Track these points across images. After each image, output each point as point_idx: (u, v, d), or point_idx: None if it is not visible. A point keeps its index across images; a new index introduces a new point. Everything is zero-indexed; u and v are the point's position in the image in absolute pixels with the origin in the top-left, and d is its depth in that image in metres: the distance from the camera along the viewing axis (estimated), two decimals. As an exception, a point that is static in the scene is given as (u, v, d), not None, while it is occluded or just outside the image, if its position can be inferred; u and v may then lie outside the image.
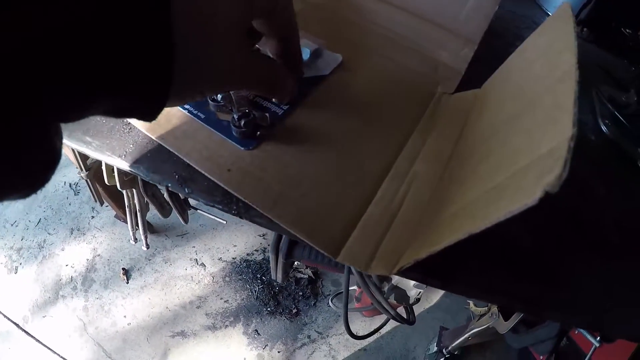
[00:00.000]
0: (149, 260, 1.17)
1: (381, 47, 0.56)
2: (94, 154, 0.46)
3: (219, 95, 0.45)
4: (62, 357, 1.10)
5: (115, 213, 1.18)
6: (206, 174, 0.42)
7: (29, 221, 1.27)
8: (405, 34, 0.56)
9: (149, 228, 0.99)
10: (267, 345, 1.06)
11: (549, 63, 0.35)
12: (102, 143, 0.46)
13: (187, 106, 0.46)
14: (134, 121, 0.46)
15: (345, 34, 0.57)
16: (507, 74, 0.44)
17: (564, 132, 0.24)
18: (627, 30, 0.71)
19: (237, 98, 0.42)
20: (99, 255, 1.20)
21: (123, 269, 1.17)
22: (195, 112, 0.46)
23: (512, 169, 0.28)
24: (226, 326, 1.09)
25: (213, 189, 0.42)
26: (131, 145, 0.46)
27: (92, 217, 1.26)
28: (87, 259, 1.20)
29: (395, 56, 0.55)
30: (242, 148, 0.43)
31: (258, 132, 0.43)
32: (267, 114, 0.45)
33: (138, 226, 0.91)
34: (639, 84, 0.65)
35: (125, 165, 0.45)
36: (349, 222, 0.40)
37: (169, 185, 0.43)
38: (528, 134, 0.29)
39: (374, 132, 0.47)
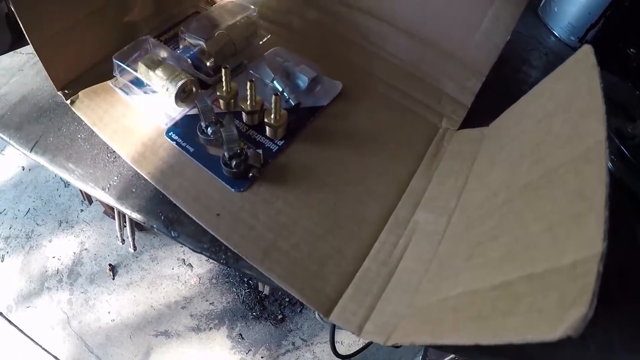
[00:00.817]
0: (136, 257, 1.15)
1: (383, 73, 0.53)
2: (76, 183, 0.43)
3: (208, 128, 0.43)
4: (44, 348, 1.08)
5: (104, 209, 1.16)
6: (194, 218, 0.39)
7: (18, 210, 1.24)
8: (410, 59, 0.53)
9: (137, 225, 0.97)
10: (250, 350, 1.05)
11: (571, 125, 0.32)
12: (86, 172, 0.44)
13: (175, 137, 0.44)
14: (119, 151, 0.44)
15: (346, 56, 0.54)
16: (520, 120, 0.41)
17: (591, 244, 0.22)
18: (631, 50, 0.68)
19: (227, 134, 0.39)
20: (86, 249, 1.18)
21: (110, 264, 1.15)
22: (184, 144, 0.44)
23: (528, 270, 0.25)
24: (210, 328, 1.08)
25: (201, 234, 0.40)
26: (116, 178, 0.43)
27: (81, 210, 1.23)
28: (74, 253, 1.17)
29: (398, 84, 0.52)
30: (233, 189, 0.41)
31: (250, 174, 0.41)
32: (260, 152, 0.42)
33: (125, 226, 0.89)
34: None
35: (109, 200, 0.42)
36: (344, 277, 0.38)
37: (154, 226, 0.41)
38: (549, 226, 0.26)
39: (374, 171, 0.45)
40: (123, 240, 0.95)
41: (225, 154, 0.41)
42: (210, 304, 1.10)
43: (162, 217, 0.41)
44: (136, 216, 0.41)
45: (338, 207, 0.42)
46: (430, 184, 0.45)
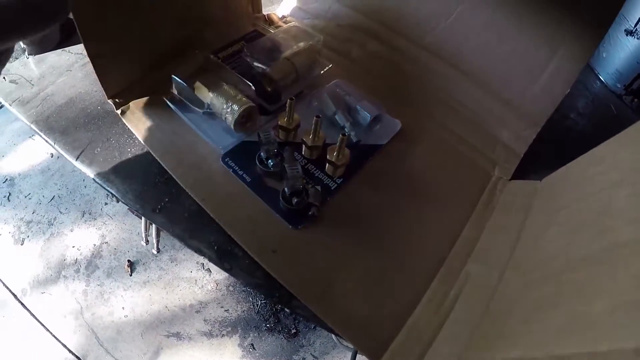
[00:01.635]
0: (156, 256, 1.15)
1: (442, 115, 0.52)
2: (124, 201, 0.43)
3: (269, 160, 0.42)
4: (54, 335, 1.09)
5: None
6: (249, 252, 0.39)
7: (43, 196, 1.25)
8: (469, 104, 0.53)
9: (161, 227, 0.97)
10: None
11: (637, 201, 0.31)
12: (135, 190, 0.43)
13: (232, 164, 0.44)
14: (172, 171, 0.43)
15: (405, 93, 0.54)
16: (579, 184, 0.40)
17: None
18: None
19: (291, 171, 0.39)
20: (106, 242, 1.18)
21: (129, 260, 1.15)
22: (240, 172, 0.43)
23: (588, 347, 0.25)
24: (222, 335, 1.08)
25: (254, 269, 0.39)
26: (167, 199, 0.43)
27: (105, 203, 1.23)
28: (95, 245, 1.18)
29: (455, 128, 0.52)
30: (290, 226, 0.40)
31: (310, 212, 0.40)
32: (319, 189, 0.42)
33: (151, 227, 0.89)
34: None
35: (158, 223, 0.42)
36: (395, 323, 0.37)
37: (206, 256, 0.40)
38: (610, 304, 0.26)
39: (427, 218, 0.44)
40: (147, 241, 0.95)
41: (286, 189, 0.40)
42: (225, 310, 1.09)
43: (215, 248, 0.40)
44: (187, 243, 0.41)
45: (392, 253, 0.41)
46: (482, 235, 0.44)
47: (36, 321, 1.08)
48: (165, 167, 0.44)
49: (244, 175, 0.43)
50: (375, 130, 0.48)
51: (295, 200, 0.40)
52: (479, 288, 0.40)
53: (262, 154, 0.43)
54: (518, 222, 0.44)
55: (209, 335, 1.07)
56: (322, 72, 0.52)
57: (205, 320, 1.07)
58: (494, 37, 0.52)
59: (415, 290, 0.39)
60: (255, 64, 0.48)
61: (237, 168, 0.43)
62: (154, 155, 0.44)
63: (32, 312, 1.09)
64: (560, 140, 0.57)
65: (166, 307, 1.10)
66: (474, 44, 0.53)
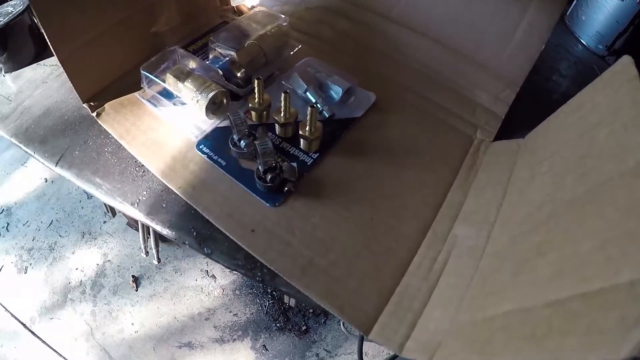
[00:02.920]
0: (159, 269, 1.14)
1: (417, 84, 0.52)
2: (104, 198, 0.43)
3: (241, 141, 0.42)
4: None
5: (127, 220, 1.16)
6: (228, 234, 0.38)
7: (41, 222, 1.25)
8: (442, 70, 0.52)
9: (161, 237, 0.97)
10: (275, 361, 1.04)
11: (617, 138, 0.30)
12: (113, 187, 0.43)
13: (206, 150, 0.43)
14: (148, 164, 0.43)
15: (378, 67, 0.53)
16: (559, 133, 0.40)
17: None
18: None
19: (262, 147, 0.39)
20: (109, 260, 1.18)
21: (133, 276, 1.15)
22: (215, 157, 0.43)
23: (582, 288, 0.24)
24: (234, 340, 1.07)
25: (235, 250, 0.39)
26: (145, 192, 0.43)
27: (104, 222, 1.23)
28: (97, 264, 1.18)
29: (432, 95, 0.51)
30: (268, 204, 0.40)
31: (286, 188, 0.40)
32: (295, 165, 0.41)
33: (149, 238, 0.89)
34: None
35: (138, 216, 0.42)
36: (383, 293, 0.36)
37: (186, 243, 0.40)
38: (601, 244, 0.25)
39: (409, 185, 0.43)
40: (147, 253, 0.94)
41: (260, 167, 0.40)
42: (234, 315, 1.08)
43: (194, 234, 0.40)
44: (167, 232, 0.40)
45: (375, 222, 0.40)
46: (467, 197, 0.43)
47: (48, 348, 1.08)
48: (141, 161, 0.43)
49: (219, 159, 0.43)
50: (349, 103, 0.48)
51: (269, 176, 0.39)
52: (468, 250, 0.39)
53: (234, 136, 0.42)
54: (503, 180, 0.43)
55: (221, 341, 1.07)
56: (291, 53, 0.51)
57: (215, 327, 1.07)
58: (461, 1, 0.51)
59: (402, 259, 0.39)
60: (223, 51, 0.47)
61: (211, 154, 0.43)
62: (130, 151, 0.44)
63: (43, 339, 1.09)
64: (544, 103, 0.56)
65: (175, 318, 1.09)
66: (442, 11, 0.52)
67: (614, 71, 0.36)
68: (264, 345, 1.05)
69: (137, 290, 1.13)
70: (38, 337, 1.09)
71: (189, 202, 0.40)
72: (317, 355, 1.04)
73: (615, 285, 0.22)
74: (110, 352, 1.06)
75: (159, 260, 0.90)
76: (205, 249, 0.39)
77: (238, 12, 0.59)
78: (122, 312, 1.10)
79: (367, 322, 0.35)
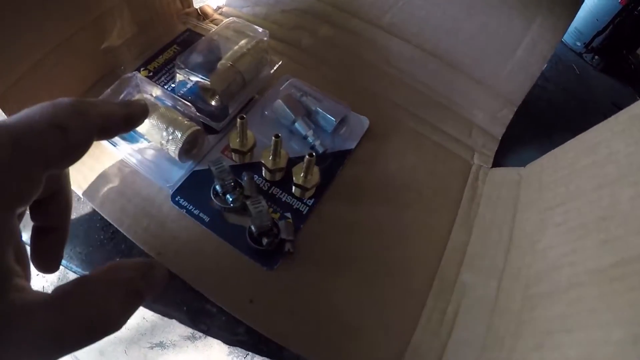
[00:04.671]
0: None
1: (410, 102, 0.47)
2: (70, 268, 0.37)
3: (228, 195, 0.37)
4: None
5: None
6: (225, 308, 0.34)
7: None
8: (437, 87, 0.48)
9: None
10: (248, 354, 1.03)
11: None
12: (78, 252, 0.37)
13: (184, 203, 0.38)
14: (117, 224, 0.37)
15: (367, 82, 0.48)
16: (571, 176, 0.37)
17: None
18: (630, 57, 0.67)
19: (256, 210, 0.34)
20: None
21: (93, 277, 1.08)
22: (196, 212, 0.38)
23: None
24: (206, 336, 1.04)
25: (234, 325, 0.35)
26: (117, 259, 0.37)
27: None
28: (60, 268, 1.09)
29: (426, 115, 0.47)
30: (265, 268, 0.35)
31: (286, 249, 0.35)
32: (290, 220, 0.37)
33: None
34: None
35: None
36: (395, 352, 0.34)
37: (178, 320, 0.35)
38: (634, 339, 0.23)
39: (411, 227, 0.40)
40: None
41: (252, 227, 0.35)
42: (205, 311, 1.06)
43: (185, 309, 0.35)
44: (153, 307, 0.35)
45: (380, 277, 0.37)
46: (471, 237, 0.40)
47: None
48: (108, 220, 0.37)
49: (200, 214, 0.37)
50: (341, 133, 0.43)
51: (265, 240, 0.34)
52: (477, 301, 0.37)
53: (217, 187, 0.37)
54: (508, 219, 0.41)
55: (193, 338, 1.04)
56: (272, 71, 0.45)
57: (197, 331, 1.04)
58: (461, 12, 0.46)
59: (411, 314, 0.36)
60: (193, 77, 0.41)
61: (191, 207, 0.37)
62: (92, 205, 0.38)
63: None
64: (531, 111, 0.54)
65: (144, 318, 1.05)
66: (439, 21, 0.48)
67: (632, 115, 0.33)
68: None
69: (99, 292, 1.07)
70: None
71: (172, 270, 0.35)
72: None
73: None
74: (80, 359, 1.02)
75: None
76: (201, 325, 0.35)
77: (203, 14, 0.51)
78: (86, 316, 1.05)
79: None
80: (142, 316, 1.05)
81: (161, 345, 1.04)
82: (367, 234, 0.39)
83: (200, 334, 0.95)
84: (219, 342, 1.00)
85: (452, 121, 0.47)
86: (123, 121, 0.24)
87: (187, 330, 1.04)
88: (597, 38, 0.63)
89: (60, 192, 0.24)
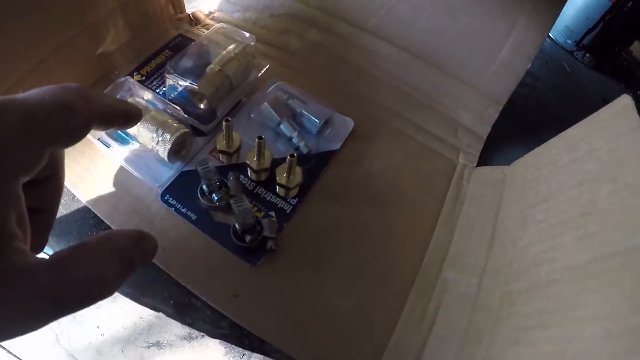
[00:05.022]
0: (121, 269, 1.09)
1: (395, 103, 0.48)
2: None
3: (214, 195, 0.38)
4: (33, 366, 1.04)
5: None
6: (209, 303, 0.35)
7: None
8: (423, 88, 0.49)
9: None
10: (244, 354, 1.04)
11: (621, 203, 0.29)
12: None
13: (172, 202, 0.39)
14: (109, 221, 0.38)
15: (353, 84, 0.49)
16: (553, 173, 0.38)
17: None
18: (623, 53, 0.68)
19: (240, 209, 0.35)
20: (66, 263, 1.11)
21: (93, 278, 1.09)
22: (184, 210, 0.39)
23: None
24: (202, 336, 1.04)
25: (218, 318, 0.36)
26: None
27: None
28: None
29: (411, 115, 0.48)
30: (248, 264, 0.37)
31: (268, 247, 0.36)
32: (274, 219, 0.38)
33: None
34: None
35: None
36: (376, 350, 0.35)
37: (165, 314, 0.36)
38: (606, 334, 0.24)
39: (395, 225, 0.41)
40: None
41: (236, 225, 0.36)
42: (202, 311, 1.07)
43: (172, 302, 0.36)
44: (141, 300, 0.37)
45: (363, 273, 0.38)
46: (454, 235, 0.41)
47: (14, 357, 1.03)
48: (100, 217, 0.39)
49: (188, 212, 0.38)
50: (326, 134, 0.44)
51: (248, 237, 0.36)
52: (458, 297, 0.38)
53: (203, 187, 0.38)
54: (490, 217, 0.41)
55: (189, 338, 1.05)
56: (259, 74, 0.46)
57: (182, 324, 1.04)
58: (445, 14, 0.48)
59: (393, 310, 0.37)
60: (182, 82, 0.42)
61: (179, 206, 0.39)
62: (86, 204, 0.39)
63: (8, 349, 1.04)
64: (520, 111, 0.55)
65: (141, 317, 1.06)
66: (424, 24, 0.49)
67: (613, 112, 0.34)
68: (235, 339, 1.06)
69: (99, 293, 1.08)
70: (3, 348, 1.04)
71: (160, 266, 0.36)
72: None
73: None
74: (78, 358, 1.03)
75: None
76: (186, 318, 0.36)
77: (195, 19, 0.53)
78: (86, 316, 1.05)
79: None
80: (139, 316, 1.06)
81: (158, 344, 1.05)
82: (351, 232, 0.40)
83: (197, 334, 0.97)
84: (215, 342, 1.02)
85: (438, 121, 0.48)
86: (121, 115, 0.25)
87: (184, 330, 1.06)
88: (588, 36, 0.64)
89: (53, 177, 0.25)
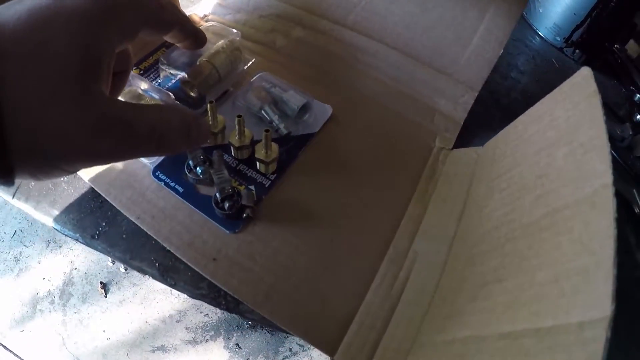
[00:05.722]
0: (127, 273, 1.13)
1: (374, 92, 0.52)
2: (64, 232, 0.42)
3: (197, 168, 0.41)
4: (41, 371, 1.07)
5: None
6: (189, 264, 0.38)
7: (4, 233, 1.21)
8: (400, 77, 0.52)
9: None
10: (248, 358, 1.05)
11: (575, 160, 0.31)
12: (72, 219, 0.42)
13: (163, 177, 0.42)
14: (106, 194, 0.42)
15: (334, 76, 0.53)
16: (518, 146, 0.40)
17: (599, 305, 0.22)
18: (616, 46, 0.69)
19: (218, 176, 0.38)
20: (76, 268, 1.15)
21: (101, 282, 1.13)
22: (172, 184, 0.42)
23: (535, 323, 0.25)
24: (207, 340, 1.07)
25: (198, 280, 0.39)
26: (104, 224, 0.42)
27: (67, 229, 1.20)
28: (65, 273, 1.15)
29: (389, 103, 0.51)
30: (228, 231, 0.40)
31: (245, 214, 0.39)
32: (252, 189, 0.41)
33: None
34: (631, 109, 0.64)
35: (99, 248, 0.41)
36: (347, 313, 0.37)
37: (149, 274, 0.39)
38: (554, 277, 0.26)
39: (370, 201, 0.44)
40: (113, 262, 0.93)
41: (217, 195, 0.39)
42: (205, 315, 1.09)
43: (157, 265, 0.39)
44: (130, 263, 0.40)
45: (336, 243, 0.41)
46: (427, 211, 0.44)
47: (21, 361, 1.06)
48: (98, 191, 0.42)
49: (176, 186, 0.42)
50: (305, 119, 0.47)
51: (227, 204, 0.39)
52: (428, 266, 0.40)
53: (190, 162, 0.41)
54: (462, 192, 0.44)
55: (194, 342, 1.07)
56: (245, 67, 0.50)
57: (187, 329, 1.07)
58: (417, 7, 0.51)
59: (364, 278, 0.39)
60: (173, 72, 0.46)
61: (168, 180, 0.42)
62: (86, 180, 0.43)
63: (15, 352, 1.07)
64: (503, 102, 0.57)
65: (146, 322, 1.08)
66: (398, 17, 0.52)
67: (573, 83, 0.36)
68: (237, 344, 1.06)
69: (106, 297, 1.11)
70: (10, 351, 1.07)
71: (148, 232, 0.39)
72: (291, 350, 1.06)
73: (566, 325, 0.23)
74: (83, 360, 1.06)
75: (126, 268, 0.88)
76: (168, 279, 0.39)
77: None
78: (92, 320, 1.09)
79: (331, 343, 0.36)
80: (144, 320, 1.09)
81: (162, 349, 1.08)
82: (326, 206, 0.43)
83: (201, 338, 0.99)
84: (219, 346, 1.05)
85: (414, 108, 0.51)
86: (194, 32, 0.36)
87: (188, 335, 1.07)
88: (576, 32, 0.65)
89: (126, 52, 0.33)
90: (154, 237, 0.39)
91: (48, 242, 1.18)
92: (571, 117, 0.34)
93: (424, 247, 0.41)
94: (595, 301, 0.22)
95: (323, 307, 0.37)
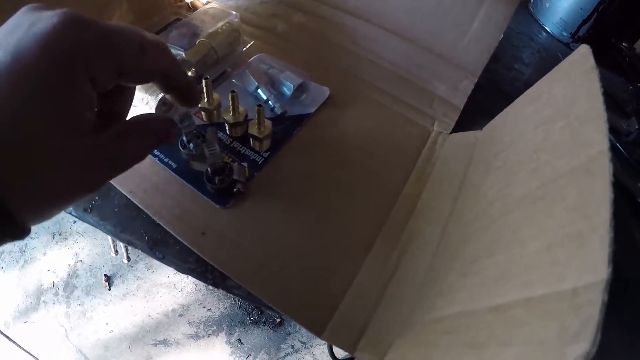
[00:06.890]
0: (132, 267, 1.13)
1: (373, 76, 0.51)
2: (72, 211, 0.42)
3: (190, 143, 0.41)
4: (44, 362, 1.07)
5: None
6: (178, 237, 0.38)
7: (10, 224, 1.22)
8: (400, 62, 0.52)
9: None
10: (250, 354, 1.04)
11: (571, 132, 0.30)
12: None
13: (157, 153, 0.42)
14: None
15: (334, 60, 0.52)
16: (516, 125, 0.39)
17: (594, 269, 0.20)
18: (624, 44, 0.67)
19: (209, 150, 0.38)
20: (80, 261, 1.16)
21: (105, 275, 1.13)
22: (166, 160, 0.42)
23: (526, 293, 0.24)
24: (209, 335, 1.07)
25: (186, 254, 0.38)
26: (97, 198, 0.42)
27: (74, 221, 1.21)
28: (69, 265, 1.16)
29: (388, 88, 0.51)
30: (218, 206, 0.39)
31: (235, 189, 0.39)
32: (245, 166, 0.41)
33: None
34: (638, 106, 0.62)
35: (91, 222, 0.41)
36: (336, 293, 0.36)
37: (138, 247, 0.39)
38: (547, 246, 0.25)
39: (365, 181, 0.43)
40: (116, 252, 0.93)
41: (209, 169, 0.39)
42: (208, 310, 1.08)
43: (146, 238, 0.39)
44: (120, 236, 0.40)
45: (328, 221, 0.40)
46: (424, 191, 0.43)
47: (24, 352, 1.07)
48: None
49: (169, 162, 0.42)
50: (302, 99, 0.47)
51: (217, 178, 0.38)
52: (422, 246, 0.39)
53: (183, 138, 0.41)
54: (460, 174, 0.43)
55: (196, 337, 1.07)
56: (244, 49, 0.50)
57: (189, 323, 1.06)
58: (417, -8, 0.51)
59: (356, 257, 0.38)
60: (173, 51, 0.46)
61: (162, 156, 0.42)
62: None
63: (18, 343, 1.08)
64: (506, 92, 0.56)
65: (149, 315, 1.08)
66: (398, 2, 0.52)
67: (572, 61, 0.35)
68: (239, 339, 1.06)
69: (109, 290, 1.12)
70: (13, 342, 1.08)
71: (140, 206, 0.39)
72: (293, 347, 1.05)
73: (559, 292, 0.21)
74: (86, 354, 1.06)
75: (128, 259, 0.88)
76: (157, 253, 0.39)
77: (193, 8, 0.58)
78: (95, 313, 1.09)
79: (320, 323, 0.35)
80: (147, 313, 1.09)
81: (165, 342, 1.07)
82: (319, 185, 0.42)
83: (204, 333, 0.98)
84: (221, 341, 1.04)
85: (413, 92, 0.50)
86: (182, 86, 0.28)
87: (191, 329, 1.07)
88: (583, 27, 0.65)
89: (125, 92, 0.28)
90: (145, 210, 0.39)
91: (53, 234, 1.19)
92: (568, 92, 0.33)
93: (419, 227, 0.40)
94: (590, 265, 0.21)
95: (313, 285, 0.37)
